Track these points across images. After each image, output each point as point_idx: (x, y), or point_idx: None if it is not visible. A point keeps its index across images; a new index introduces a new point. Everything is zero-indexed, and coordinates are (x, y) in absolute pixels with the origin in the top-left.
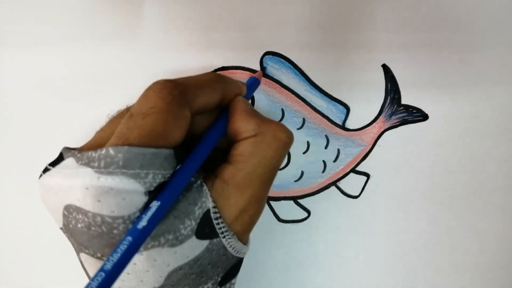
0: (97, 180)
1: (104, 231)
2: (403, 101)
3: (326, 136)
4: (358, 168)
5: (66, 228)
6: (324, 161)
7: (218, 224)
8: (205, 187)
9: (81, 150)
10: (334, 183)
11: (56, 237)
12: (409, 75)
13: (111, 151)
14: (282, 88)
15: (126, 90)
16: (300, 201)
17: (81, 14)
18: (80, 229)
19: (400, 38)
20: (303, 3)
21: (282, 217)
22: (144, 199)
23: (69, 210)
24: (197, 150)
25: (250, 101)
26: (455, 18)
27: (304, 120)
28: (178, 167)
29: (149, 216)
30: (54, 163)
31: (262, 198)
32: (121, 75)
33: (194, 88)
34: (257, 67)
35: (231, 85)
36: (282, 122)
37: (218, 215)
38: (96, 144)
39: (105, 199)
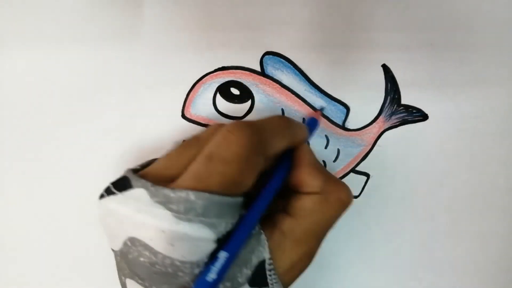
0: (175, 226)
1: (169, 271)
2: (403, 101)
3: (326, 136)
4: (358, 168)
5: (122, 255)
6: (324, 161)
7: (270, 275)
8: (263, 235)
9: (147, 177)
10: None
11: (55, 240)
12: (409, 75)
13: (192, 196)
14: (282, 88)
15: (126, 90)
16: None
17: (81, 14)
18: (141, 262)
19: (400, 38)
20: (303, 3)
21: None
22: (213, 246)
23: (134, 243)
24: (261, 198)
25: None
26: (455, 18)
27: (304, 120)
28: (243, 213)
29: (218, 268)
30: (119, 187)
31: (314, 254)
32: (121, 75)
33: (269, 136)
34: (257, 67)
35: (299, 131)
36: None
37: (272, 266)
38: (165, 174)
39: (179, 244)
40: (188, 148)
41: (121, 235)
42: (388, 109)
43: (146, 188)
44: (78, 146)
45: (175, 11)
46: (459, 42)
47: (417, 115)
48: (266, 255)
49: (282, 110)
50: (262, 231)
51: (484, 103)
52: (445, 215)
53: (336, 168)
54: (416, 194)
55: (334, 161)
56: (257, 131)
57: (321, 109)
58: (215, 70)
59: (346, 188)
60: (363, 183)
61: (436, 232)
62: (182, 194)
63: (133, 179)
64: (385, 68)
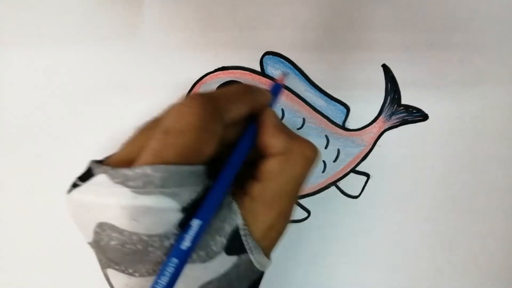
0: (134, 200)
1: (140, 248)
2: (403, 101)
3: (326, 136)
4: (358, 168)
5: (96, 244)
6: (324, 161)
7: (246, 240)
8: (234, 203)
9: (109, 163)
10: (334, 183)
11: (53, 242)
12: (409, 75)
13: (148, 170)
14: (282, 88)
15: (126, 90)
16: (300, 201)
17: (81, 14)
18: (113, 246)
19: (400, 38)
20: (303, 3)
21: None
22: (179, 216)
23: (103, 228)
24: (228, 165)
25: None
26: (455, 18)
27: (304, 120)
28: (210, 182)
29: (191, 235)
30: (83, 178)
31: (288, 214)
32: (121, 75)
33: (226, 103)
34: (257, 67)
35: (259, 96)
36: (282, 122)
37: (247, 231)
38: (125, 158)
39: (142, 219)
40: (147, 130)
41: (90, 223)
42: (388, 109)
43: (106, 172)
44: (77, 145)
45: (175, 11)
46: (459, 42)
47: (417, 115)
48: (239, 221)
49: (282, 110)
50: (232, 200)
51: (484, 103)
52: (445, 215)
53: (336, 168)
54: (416, 194)
55: (334, 161)
56: (211, 100)
57: (284, 74)
58: (215, 70)
59: (309, 144)
60: (363, 183)
61: (436, 232)
62: (139, 170)
63: (95, 168)
64: (385, 68)
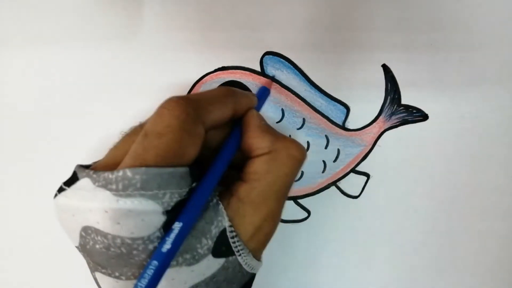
0: (116, 203)
1: (124, 252)
2: (403, 101)
3: (326, 136)
4: (358, 168)
5: (83, 248)
6: (324, 161)
7: (234, 242)
8: (221, 205)
9: (95, 169)
10: (334, 183)
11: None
12: (409, 75)
13: (128, 173)
14: (282, 88)
15: (126, 90)
16: (300, 201)
17: (81, 14)
18: (98, 249)
19: (400, 38)
20: (303, 3)
21: (282, 217)
22: (162, 218)
23: (87, 232)
24: (213, 167)
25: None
26: (455, 18)
27: (304, 120)
28: (194, 185)
29: (172, 238)
30: (68, 183)
31: (277, 215)
32: (121, 75)
33: (206, 104)
34: (257, 67)
35: (242, 99)
36: (282, 122)
37: (234, 233)
38: (110, 163)
39: (124, 222)
40: (132, 135)
41: (76, 228)
42: (388, 109)
43: (89, 176)
44: (77, 145)
45: (175, 11)
46: (459, 42)
47: (417, 115)
48: (226, 223)
49: (282, 110)
50: (219, 202)
51: (484, 103)
52: (445, 215)
53: (336, 168)
54: (416, 194)
55: (334, 161)
56: (190, 102)
57: (273, 77)
58: (215, 70)
59: (295, 143)
60: (363, 183)
61: (436, 232)
62: (120, 173)
63: (79, 172)
64: (385, 68)
